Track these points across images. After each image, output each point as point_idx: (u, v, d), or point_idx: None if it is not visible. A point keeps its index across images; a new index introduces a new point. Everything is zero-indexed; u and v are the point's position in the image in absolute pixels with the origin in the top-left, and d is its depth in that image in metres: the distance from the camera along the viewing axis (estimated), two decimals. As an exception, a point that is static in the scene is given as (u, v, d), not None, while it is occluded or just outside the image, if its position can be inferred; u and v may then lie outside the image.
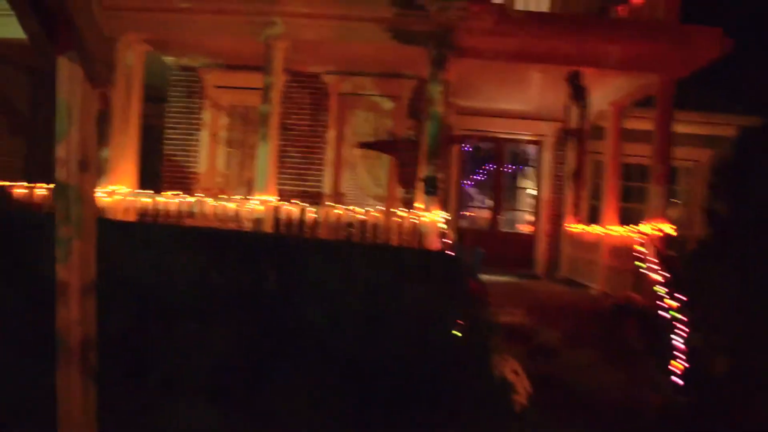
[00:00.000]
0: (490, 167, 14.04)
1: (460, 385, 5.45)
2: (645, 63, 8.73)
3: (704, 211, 13.28)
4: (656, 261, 8.10)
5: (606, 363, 7.63)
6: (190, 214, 8.52)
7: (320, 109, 10.86)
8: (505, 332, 7.81)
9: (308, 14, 8.42)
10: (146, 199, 8.60)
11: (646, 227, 8.63)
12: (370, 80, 10.72)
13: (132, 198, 8.70)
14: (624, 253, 9.27)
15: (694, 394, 6.82)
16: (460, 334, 5.49)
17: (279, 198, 9.99)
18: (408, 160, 9.22)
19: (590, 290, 10.45)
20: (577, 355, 7.66)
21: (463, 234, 11.00)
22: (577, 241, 11.86)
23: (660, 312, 7.62)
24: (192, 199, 8.49)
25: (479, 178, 15.10)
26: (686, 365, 7.10)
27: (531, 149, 13.75)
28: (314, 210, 8.29)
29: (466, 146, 13.81)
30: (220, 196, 9.29)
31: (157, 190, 8.96)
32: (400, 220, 8.07)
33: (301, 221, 8.28)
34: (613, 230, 9.96)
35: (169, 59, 11.15)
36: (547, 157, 13.11)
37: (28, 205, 8.98)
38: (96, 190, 7.57)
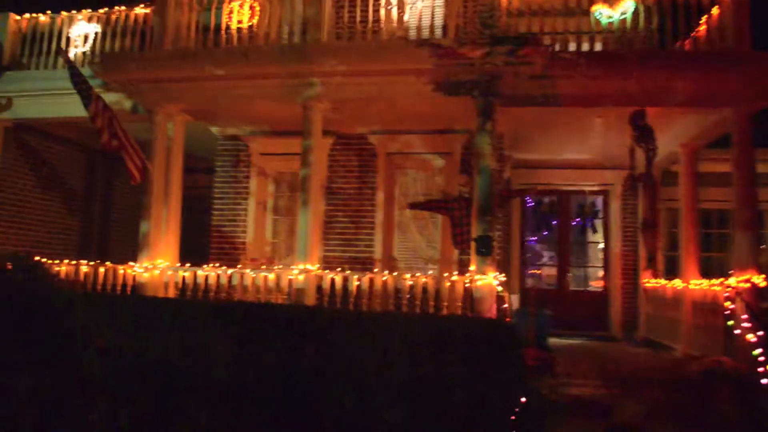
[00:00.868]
0: (555, 222, 13.18)
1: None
2: (715, 97, 7.89)
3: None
4: (747, 317, 7.07)
5: (698, 441, 6.59)
6: (231, 287, 8.09)
7: (368, 171, 10.40)
8: (577, 407, 6.91)
9: (345, 72, 8.04)
10: (185, 273, 8.23)
11: (732, 279, 7.62)
12: (418, 138, 10.23)
13: (171, 272, 8.35)
14: (709, 309, 8.24)
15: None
16: (513, 417, 4.70)
17: (325, 265, 9.55)
18: (460, 219, 8.57)
19: (674, 352, 9.36)
20: (664, 433, 6.65)
21: (529, 294, 10.13)
22: (654, 296, 10.81)
23: (759, 378, 6.57)
24: (231, 271, 8.06)
25: (545, 234, 14.20)
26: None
27: (598, 200, 12.85)
28: (357, 277, 7.69)
29: (529, 202, 13.07)
30: (265, 266, 8.86)
31: (206, 263, 8.62)
32: (450, 284, 7.37)
33: (345, 290, 7.69)
34: (695, 284, 8.94)
35: (215, 129, 11.02)
36: (615, 207, 12.21)
37: (71, 282, 8.81)
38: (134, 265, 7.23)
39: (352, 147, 10.49)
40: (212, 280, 8.09)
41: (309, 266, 7.87)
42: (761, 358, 6.52)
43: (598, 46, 8.19)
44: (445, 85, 7.91)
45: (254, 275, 8.02)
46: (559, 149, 11.40)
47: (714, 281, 8.20)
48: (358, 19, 8.44)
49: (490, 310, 7.16)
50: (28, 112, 10.31)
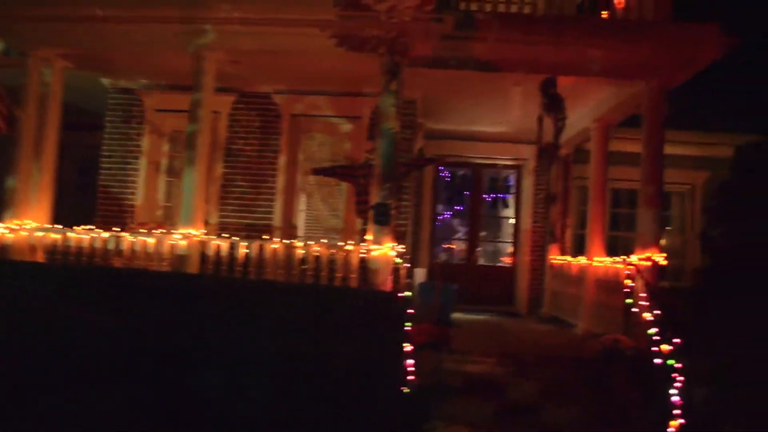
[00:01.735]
0: (468, 195, 12.90)
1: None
2: (631, 68, 7.63)
3: (700, 237, 12.12)
4: (646, 296, 6.92)
5: (592, 422, 6.39)
6: (108, 252, 7.33)
7: (271, 133, 9.73)
8: (470, 385, 6.60)
9: (241, 19, 7.33)
10: (56, 235, 7.40)
11: (634, 257, 7.46)
12: (326, 100, 9.63)
13: (41, 234, 7.50)
14: (611, 287, 8.11)
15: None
16: (397, 396, 4.28)
17: (221, 232, 8.90)
18: (365, 188, 8.09)
19: (575, 330, 9.25)
20: (558, 414, 6.41)
21: (438, 269, 9.79)
22: (560, 274, 10.70)
23: (654, 357, 6.42)
24: (106, 234, 7.30)
25: (461, 208, 13.91)
26: (685, 424, 5.88)
27: (512, 175, 12.64)
28: (246, 244, 7.09)
29: (443, 173, 12.73)
30: (155, 231, 8.11)
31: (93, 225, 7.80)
32: (344, 254, 6.88)
33: (232, 258, 7.08)
34: (599, 261, 8.80)
35: (106, 81, 10.07)
36: (528, 183, 12.03)
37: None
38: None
39: (255, 106, 9.79)
40: (86, 244, 7.31)
41: (192, 231, 7.20)
42: (657, 337, 6.35)
43: (526, 9, 7.78)
44: (350, 40, 7.33)
45: (133, 239, 7.28)
46: (474, 120, 11.05)
47: (617, 259, 8.06)
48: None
49: (386, 283, 6.71)
50: None
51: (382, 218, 6.81)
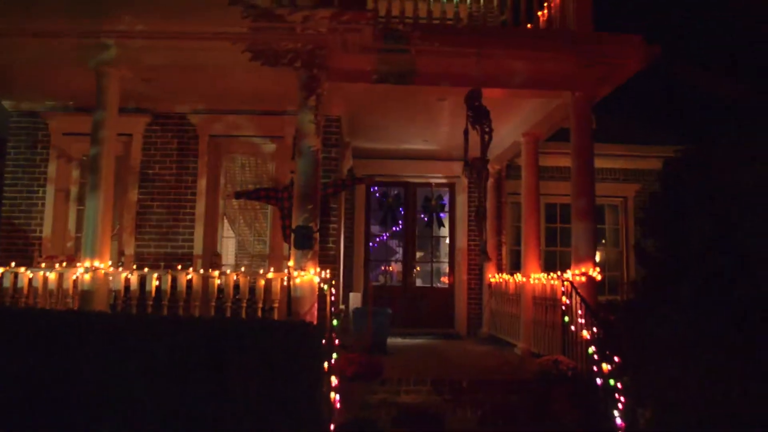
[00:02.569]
0: (403, 215, 12.55)
1: None
2: (555, 80, 7.46)
3: (635, 250, 12.07)
4: (583, 313, 6.65)
5: (533, 449, 6.05)
6: (5, 290, 6.62)
7: (189, 155, 9.13)
8: (404, 418, 6.16)
9: (146, 32, 6.79)
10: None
11: (569, 273, 7.21)
12: (246, 119, 9.11)
13: None
14: (548, 304, 7.85)
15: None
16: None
17: (138, 263, 8.29)
18: (290, 211, 7.61)
19: (516, 350, 8.95)
20: (497, 443, 6.05)
21: (370, 292, 9.36)
22: (498, 292, 10.44)
23: (594, 377, 6.13)
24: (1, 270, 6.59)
25: (396, 228, 13.54)
26: (629, 448, 5.58)
27: (445, 193, 12.38)
28: (157, 276, 6.51)
29: (376, 192, 12.36)
30: (61, 264, 7.41)
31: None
32: (265, 282, 6.38)
33: (142, 291, 6.48)
34: (535, 278, 8.54)
35: (7, 103, 9.31)
36: (461, 200, 11.80)
37: None
38: None
39: (171, 127, 9.18)
40: (-25, 281, 6.58)
41: (98, 263, 6.57)
42: (596, 356, 6.07)
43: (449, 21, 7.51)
44: (265, 54, 6.89)
45: (31, 275, 6.60)
46: (404, 138, 10.75)
47: (552, 275, 7.81)
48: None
49: (311, 311, 6.24)
50: None
51: (304, 242, 6.35)
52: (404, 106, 8.96)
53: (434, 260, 13.01)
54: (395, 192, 12.38)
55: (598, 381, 6.03)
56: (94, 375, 4.09)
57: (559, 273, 7.52)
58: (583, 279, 7.04)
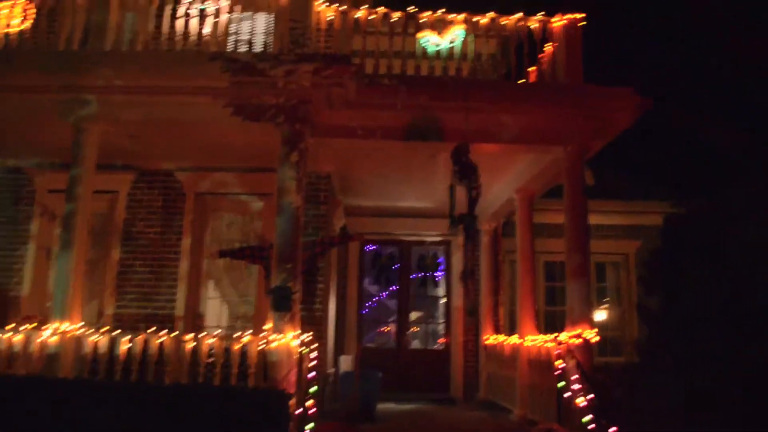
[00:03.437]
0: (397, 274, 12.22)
1: None
2: (547, 134, 7.26)
3: (636, 308, 11.70)
4: (579, 378, 6.26)
5: None
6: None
7: (174, 213, 8.90)
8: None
9: (125, 88, 6.66)
10: None
11: (564, 335, 6.84)
12: (233, 176, 8.92)
13: None
14: (544, 367, 7.43)
15: None
16: None
17: (117, 324, 7.99)
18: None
19: (511, 416, 8.49)
20: None
21: (359, 355, 8.94)
22: (494, 354, 10.02)
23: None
24: (-36, 333, 6.28)
25: (394, 288, 13.20)
26: None
27: (440, 252, 12.08)
28: (128, 339, 6.18)
29: (371, 251, 12.09)
30: (35, 326, 7.08)
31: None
32: (240, 346, 6.04)
33: (112, 356, 6.14)
34: (531, 340, 8.16)
35: (-8, 161, 9.18)
36: (457, 259, 11.48)
37: None
38: None
39: (156, 185, 8.99)
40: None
41: (66, 326, 6.25)
42: (592, 426, 5.65)
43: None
44: (247, 109, 6.73)
45: (-2, 338, 6.28)
46: (398, 195, 10.55)
47: (547, 337, 7.43)
48: (151, 30, 7.19)
49: (288, 378, 5.86)
50: None
51: (282, 304, 6.03)
52: (395, 163, 8.78)
53: (430, 321, 12.62)
54: (389, 250, 12.10)
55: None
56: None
57: (554, 335, 7.15)
58: (579, 341, 6.66)
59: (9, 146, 8.73)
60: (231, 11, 7.06)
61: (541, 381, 7.47)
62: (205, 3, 7.06)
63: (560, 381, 6.62)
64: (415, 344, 12.67)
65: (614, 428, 5.48)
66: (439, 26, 7.48)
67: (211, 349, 6.11)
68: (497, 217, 10.91)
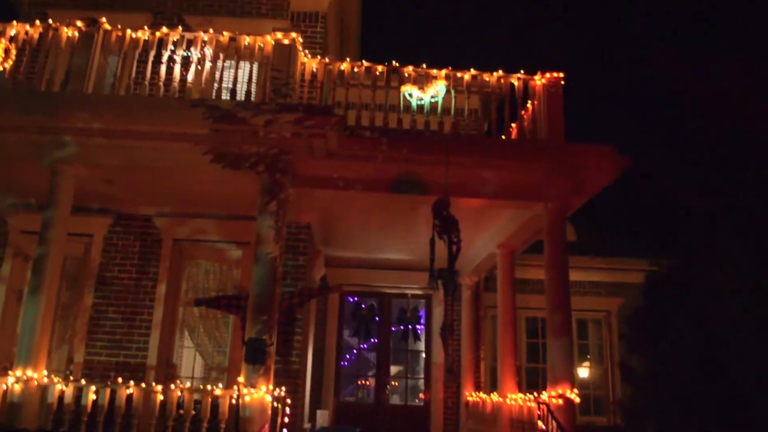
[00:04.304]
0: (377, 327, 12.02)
1: None
2: (527, 190, 7.27)
3: (619, 366, 11.57)
4: (560, 440, 6.09)
5: None
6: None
7: (150, 259, 8.74)
8: None
9: (104, 131, 6.59)
10: None
11: (545, 394, 6.69)
12: (212, 223, 8.79)
13: None
14: (525, 427, 7.25)
15: None
16: None
17: (88, 372, 7.78)
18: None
19: (492, 479, 8.24)
20: None
21: (338, 410, 8.70)
22: (475, 412, 9.81)
23: None
24: None
25: (375, 341, 12.96)
26: None
27: (421, 305, 11.94)
28: (95, 389, 5.95)
29: (351, 303, 11.92)
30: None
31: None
32: (211, 400, 5.83)
33: (78, 407, 5.90)
34: (512, 398, 7.98)
35: (-36, 202, 9.01)
36: (438, 313, 11.32)
37: None
38: None
39: (134, 230, 8.84)
40: None
41: (30, 373, 6.02)
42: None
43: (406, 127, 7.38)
44: (227, 157, 6.69)
45: (-49, 385, 6.02)
46: (378, 247, 10.47)
47: (528, 396, 7.27)
48: (134, 74, 7.18)
49: (258, 435, 5.65)
50: None
51: (257, 356, 5.87)
52: (376, 214, 8.74)
53: (410, 375, 12.37)
54: (370, 302, 11.93)
55: None
56: None
57: (535, 394, 7.00)
58: (560, 402, 6.52)
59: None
60: (214, 59, 7.06)
61: (522, 441, 7.28)
62: (190, 50, 7.08)
63: (541, 442, 6.45)
64: (395, 399, 12.38)
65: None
66: (422, 81, 7.55)
67: (180, 400, 5.90)
68: (479, 272, 10.84)
